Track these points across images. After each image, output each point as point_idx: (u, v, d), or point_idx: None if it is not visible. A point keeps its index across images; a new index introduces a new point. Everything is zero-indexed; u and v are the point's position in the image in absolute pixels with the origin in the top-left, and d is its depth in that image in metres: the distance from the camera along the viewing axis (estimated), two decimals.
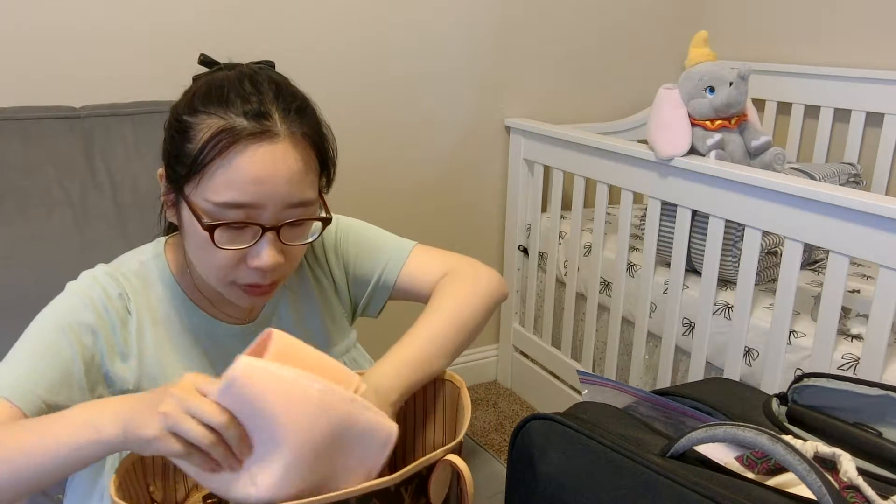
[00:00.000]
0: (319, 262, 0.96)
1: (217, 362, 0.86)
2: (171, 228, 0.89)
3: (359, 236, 0.97)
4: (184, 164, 0.75)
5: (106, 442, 0.64)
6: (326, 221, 0.81)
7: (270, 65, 0.85)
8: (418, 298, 0.96)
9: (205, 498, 0.74)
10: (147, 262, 0.86)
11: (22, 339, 0.78)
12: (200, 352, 0.86)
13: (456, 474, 0.70)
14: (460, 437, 0.74)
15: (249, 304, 0.84)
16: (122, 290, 0.82)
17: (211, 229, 0.74)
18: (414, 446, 0.88)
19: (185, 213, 0.77)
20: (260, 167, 0.73)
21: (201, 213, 0.75)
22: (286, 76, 0.84)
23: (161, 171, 0.81)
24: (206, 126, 0.74)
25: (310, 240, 0.81)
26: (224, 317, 0.88)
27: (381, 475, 0.68)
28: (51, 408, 0.73)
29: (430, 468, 0.69)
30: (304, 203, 0.77)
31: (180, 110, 0.77)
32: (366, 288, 0.97)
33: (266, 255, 0.76)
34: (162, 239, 0.89)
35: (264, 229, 0.75)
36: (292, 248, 0.79)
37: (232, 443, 0.62)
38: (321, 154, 0.80)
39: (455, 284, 0.91)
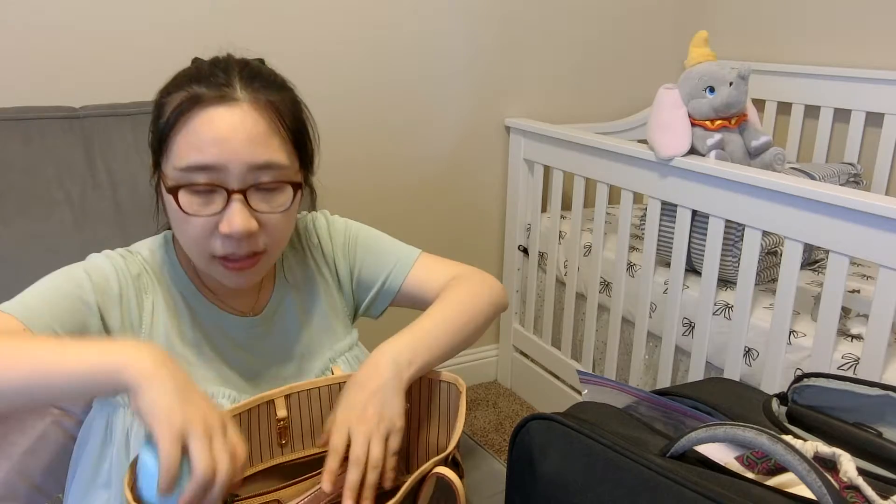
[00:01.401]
0: (327, 260, 0.98)
1: (223, 350, 0.87)
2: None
3: (367, 240, 0.99)
4: (157, 139, 0.79)
5: (115, 382, 0.63)
6: (296, 186, 0.81)
7: (260, 62, 0.87)
8: (422, 305, 0.96)
9: None
10: (157, 250, 0.88)
11: (44, 280, 0.79)
12: (207, 340, 0.87)
13: (446, 483, 0.71)
14: (450, 447, 0.74)
15: (234, 283, 0.83)
16: (142, 270, 0.85)
17: (174, 191, 0.76)
18: (417, 446, 0.88)
19: (163, 191, 0.79)
20: (219, 126, 0.75)
21: (170, 182, 0.77)
22: (275, 70, 0.86)
23: (150, 161, 0.83)
24: (173, 100, 0.78)
25: (282, 209, 0.80)
26: (230, 309, 0.89)
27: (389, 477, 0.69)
28: None
29: (422, 480, 0.70)
30: (271, 165, 0.77)
31: (158, 96, 0.82)
32: (370, 290, 0.99)
33: (236, 219, 0.76)
34: (169, 232, 0.90)
35: (230, 192, 0.76)
36: (267, 216, 0.79)
37: (211, 498, 0.60)
38: (291, 123, 0.81)
39: (462, 285, 0.93)
